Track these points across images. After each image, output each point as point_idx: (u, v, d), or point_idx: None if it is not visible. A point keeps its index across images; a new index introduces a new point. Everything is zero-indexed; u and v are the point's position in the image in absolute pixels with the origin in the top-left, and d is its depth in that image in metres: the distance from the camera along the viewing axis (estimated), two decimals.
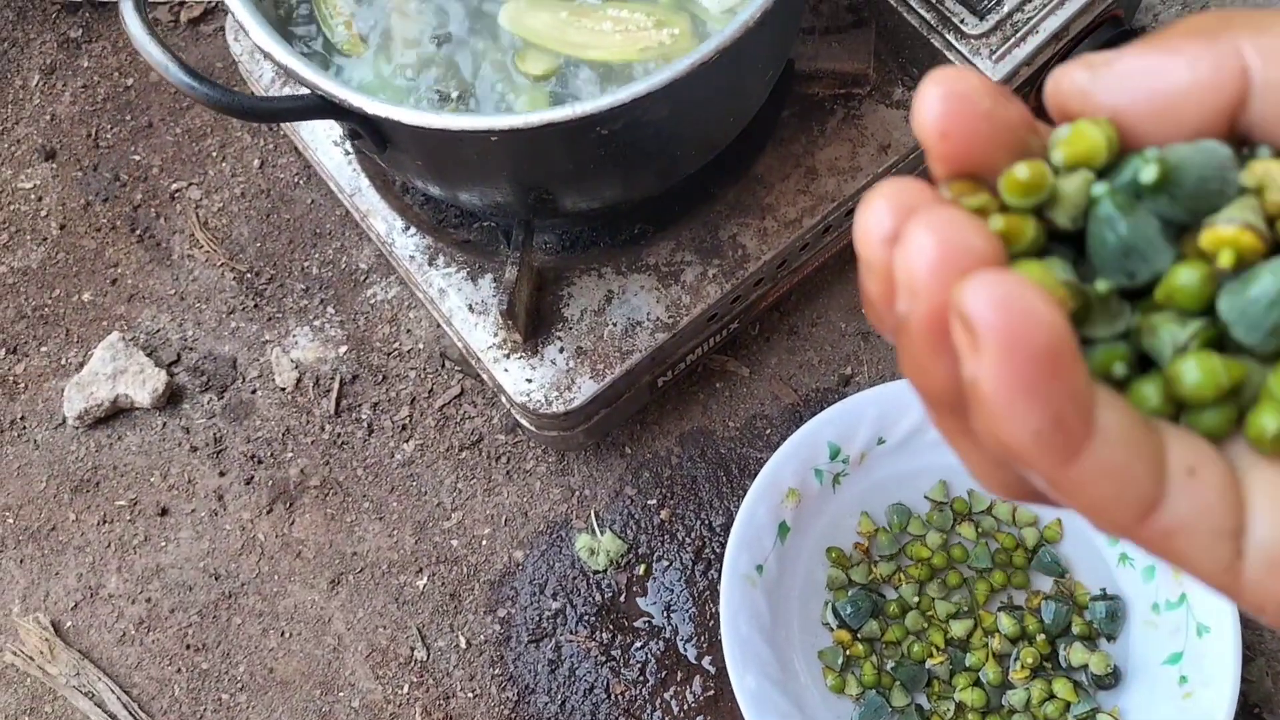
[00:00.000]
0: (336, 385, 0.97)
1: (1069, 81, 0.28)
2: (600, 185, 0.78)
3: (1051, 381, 0.23)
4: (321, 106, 0.66)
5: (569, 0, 0.75)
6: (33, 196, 1.07)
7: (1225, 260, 0.26)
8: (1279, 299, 0.25)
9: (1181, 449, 0.25)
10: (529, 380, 0.83)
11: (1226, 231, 0.26)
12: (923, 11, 0.87)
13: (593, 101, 0.64)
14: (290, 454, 0.95)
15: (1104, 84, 0.27)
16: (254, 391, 0.98)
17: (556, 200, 0.79)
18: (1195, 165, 0.27)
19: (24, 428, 0.98)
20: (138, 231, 1.04)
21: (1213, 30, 0.26)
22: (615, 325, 0.83)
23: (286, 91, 0.93)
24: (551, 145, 0.70)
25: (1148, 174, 0.26)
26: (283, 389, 0.97)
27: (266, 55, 0.67)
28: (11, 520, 0.95)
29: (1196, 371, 0.26)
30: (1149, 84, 0.27)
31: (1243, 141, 0.27)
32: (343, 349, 0.98)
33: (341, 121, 0.70)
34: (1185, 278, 0.26)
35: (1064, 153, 0.27)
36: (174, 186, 1.06)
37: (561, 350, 0.83)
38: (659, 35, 0.74)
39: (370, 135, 0.70)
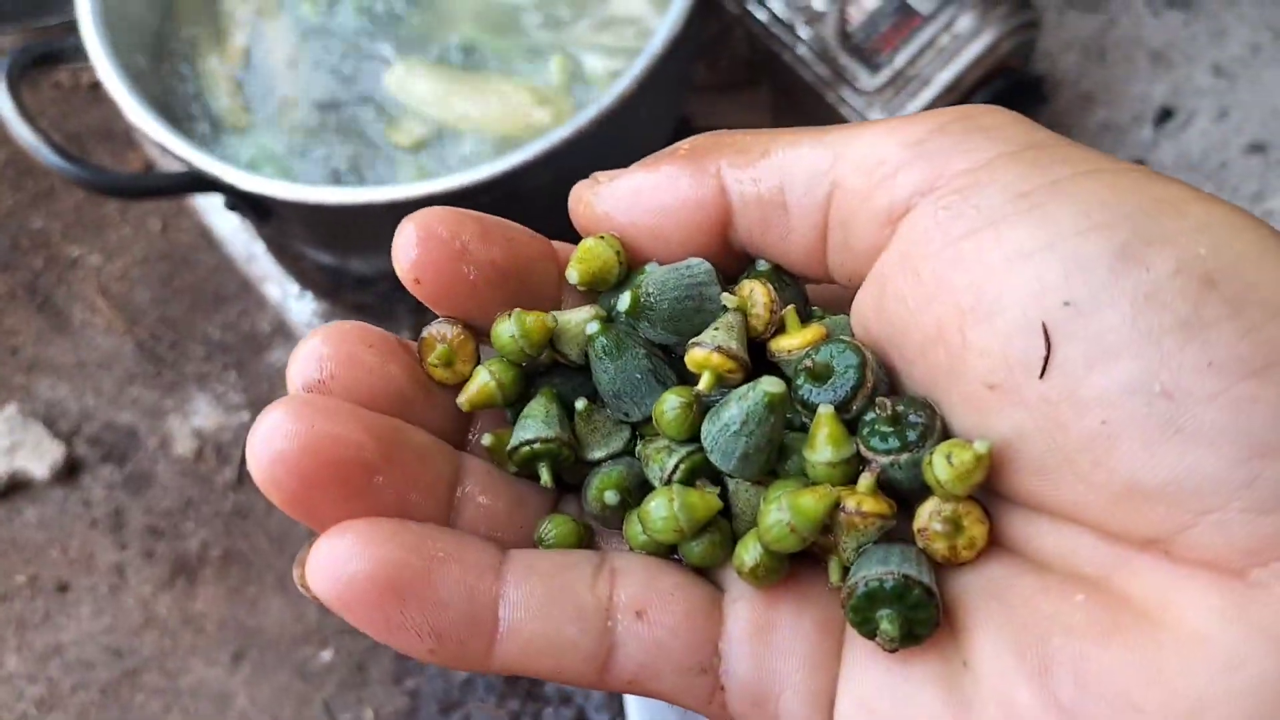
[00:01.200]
0: (239, 454, 0.95)
1: (581, 199, 0.29)
2: None
3: (407, 603, 0.24)
4: (196, 182, 0.65)
5: (454, 69, 0.75)
6: None
7: (704, 384, 0.26)
8: (744, 428, 0.25)
9: (633, 591, 0.25)
10: None
11: (698, 355, 0.26)
12: (817, 68, 0.87)
13: (473, 172, 0.64)
14: (191, 525, 0.93)
15: (607, 203, 0.28)
16: (154, 462, 0.96)
17: None
18: (670, 287, 0.27)
19: None
20: (37, 299, 1.02)
21: (699, 151, 0.27)
22: None
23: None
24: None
25: (622, 303, 0.27)
26: (183, 458, 0.95)
27: (138, 129, 0.66)
28: None
29: (661, 512, 0.26)
30: (642, 202, 0.28)
31: (744, 257, 0.28)
32: (245, 416, 0.96)
33: (220, 195, 0.69)
34: (668, 405, 0.27)
35: (577, 271, 0.28)
36: (74, 253, 1.04)
37: None
38: (537, 113, 0.74)
39: (250, 208, 0.69)
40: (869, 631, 0.25)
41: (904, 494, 0.26)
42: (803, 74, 0.88)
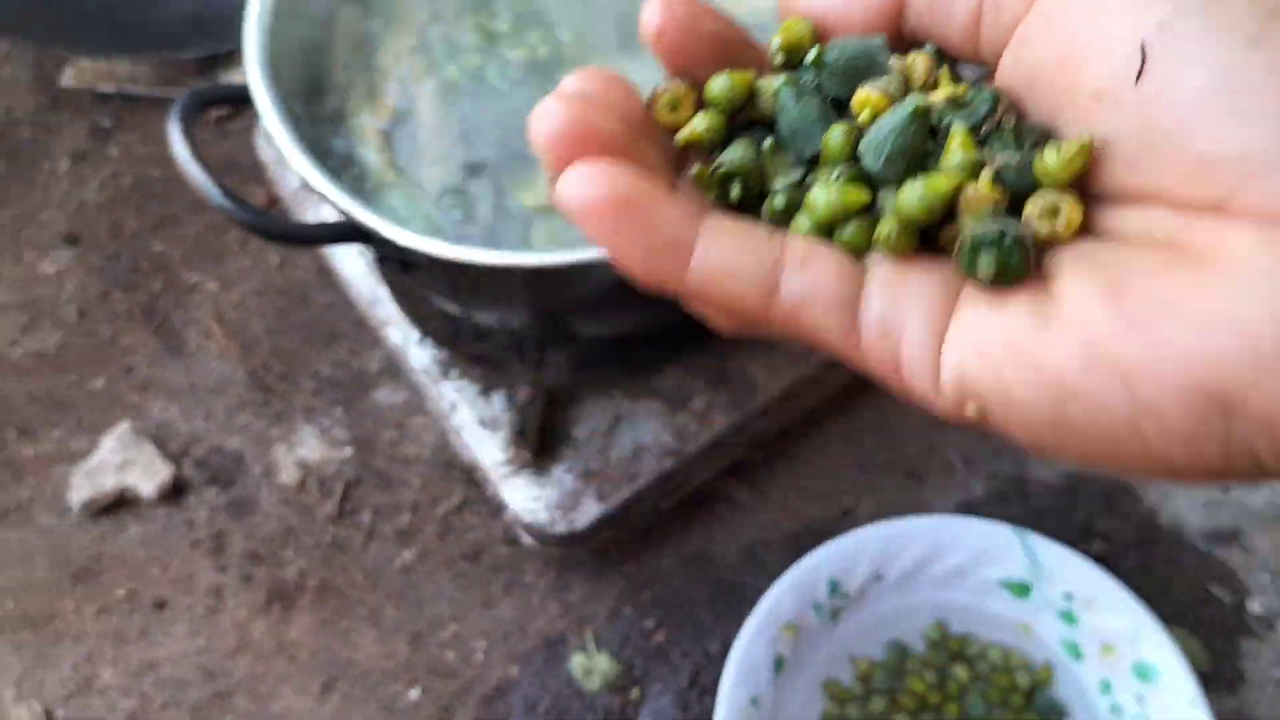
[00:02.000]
0: (340, 487, 0.97)
1: None
2: (618, 316, 0.80)
3: (631, 222, 0.31)
4: (355, 234, 0.67)
5: None
6: (54, 281, 1.07)
7: (863, 117, 0.34)
8: (892, 132, 0.32)
9: (798, 248, 0.33)
10: (535, 499, 0.83)
11: (860, 95, 0.34)
12: None
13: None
14: (290, 554, 0.95)
15: None
16: (258, 489, 0.98)
17: (573, 327, 0.80)
18: (849, 50, 0.35)
19: (29, 512, 0.98)
20: (154, 322, 1.05)
21: None
22: (623, 449, 0.84)
23: (321, 206, 0.94)
24: (576, 280, 0.72)
25: (809, 57, 0.35)
26: (287, 487, 0.97)
27: (304, 181, 0.68)
28: (11, 605, 0.95)
29: (822, 196, 0.33)
30: None
31: (913, 43, 0.36)
32: (348, 451, 0.99)
33: (373, 247, 0.71)
34: (834, 134, 0.34)
35: (780, 38, 0.35)
36: (193, 279, 1.07)
37: (569, 471, 0.84)
38: None
39: (398, 261, 0.72)
40: (973, 272, 0.31)
41: (1018, 195, 0.32)
42: None
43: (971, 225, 0.32)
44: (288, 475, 0.98)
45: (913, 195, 0.32)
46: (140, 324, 1.05)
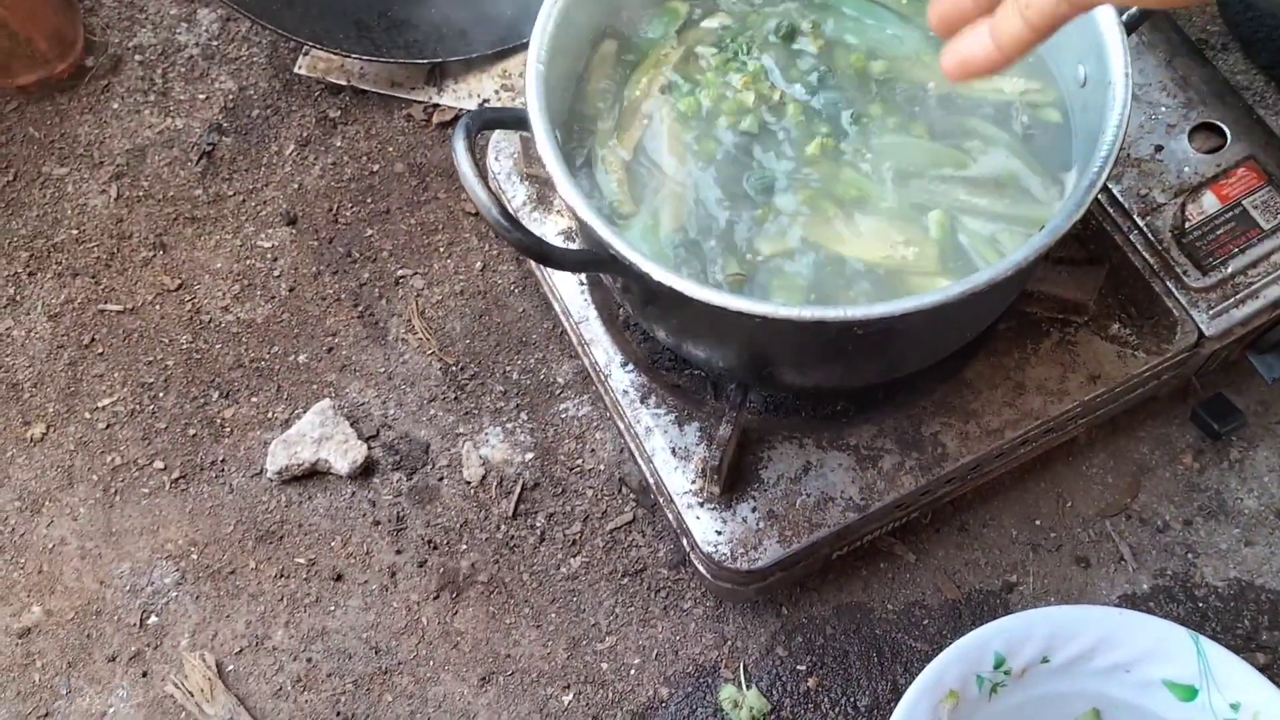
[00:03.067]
0: (518, 489, 1.00)
1: None
2: (826, 371, 0.81)
3: None
4: (612, 265, 0.70)
5: (835, 199, 0.79)
6: (269, 256, 1.12)
7: None
8: None
9: None
10: (718, 533, 0.85)
11: None
12: (1148, 255, 0.89)
13: (875, 306, 0.67)
14: (464, 546, 0.98)
15: None
16: (441, 479, 1.01)
17: (780, 374, 0.82)
18: None
19: (223, 470, 1.02)
20: (360, 307, 1.09)
21: None
22: (808, 496, 0.85)
23: (543, 221, 0.97)
24: (802, 333, 0.73)
25: None
26: (468, 483, 1.00)
27: (570, 208, 0.71)
28: (195, 556, 0.99)
29: None
30: None
31: None
32: (529, 455, 1.01)
33: (620, 276, 0.73)
34: None
35: None
36: (400, 272, 1.10)
37: (754, 510, 0.85)
38: (904, 250, 0.77)
39: (641, 292, 0.74)
40: None
41: None
42: (1132, 257, 0.90)
43: None
44: (470, 471, 1.01)
45: None
46: (347, 308, 1.09)
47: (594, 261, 0.71)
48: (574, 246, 0.93)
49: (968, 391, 0.87)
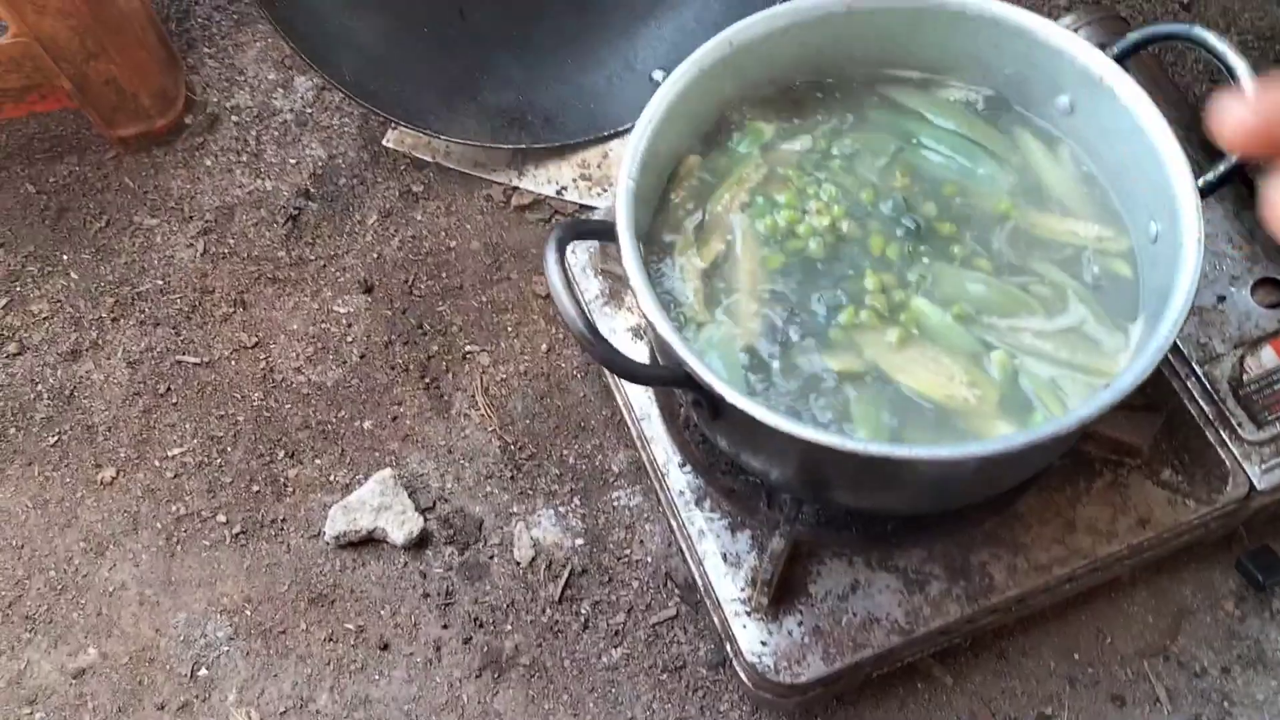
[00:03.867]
0: (566, 574, 1.01)
1: None
2: (882, 497, 0.82)
3: None
4: (688, 383, 0.71)
5: (902, 327, 0.80)
6: (344, 321, 1.15)
7: None
8: None
9: None
10: (763, 644, 0.85)
11: None
12: (1204, 404, 0.89)
13: (945, 449, 0.68)
14: (509, 627, 0.99)
15: None
16: (491, 557, 1.02)
17: (836, 494, 0.83)
18: None
19: (282, 529, 1.04)
20: (426, 379, 1.11)
21: None
22: (854, 615, 0.86)
23: (614, 316, 0.99)
24: (859, 465, 0.74)
25: None
26: (518, 563, 1.02)
27: (651, 325, 0.73)
28: (249, 613, 1.00)
29: None
30: None
31: None
32: (579, 541, 1.02)
33: (695, 393, 0.75)
34: None
35: None
36: (468, 348, 1.13)
37: (800, 624, 0.86)
38: (965, 390, 0.78)
39: (710, 407, 0.75)
40: None
41: None
42: (1188, 405, 0.90)
43: None
44: (521, 551, 1.02)
45: None
46: (414, 379, 1.11)
47: (670, 379, 0.73)
48: (649, 362, 0.94)
49: (1019, 524, 0.88)
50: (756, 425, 0.71)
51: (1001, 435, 0.73)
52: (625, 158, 0.79)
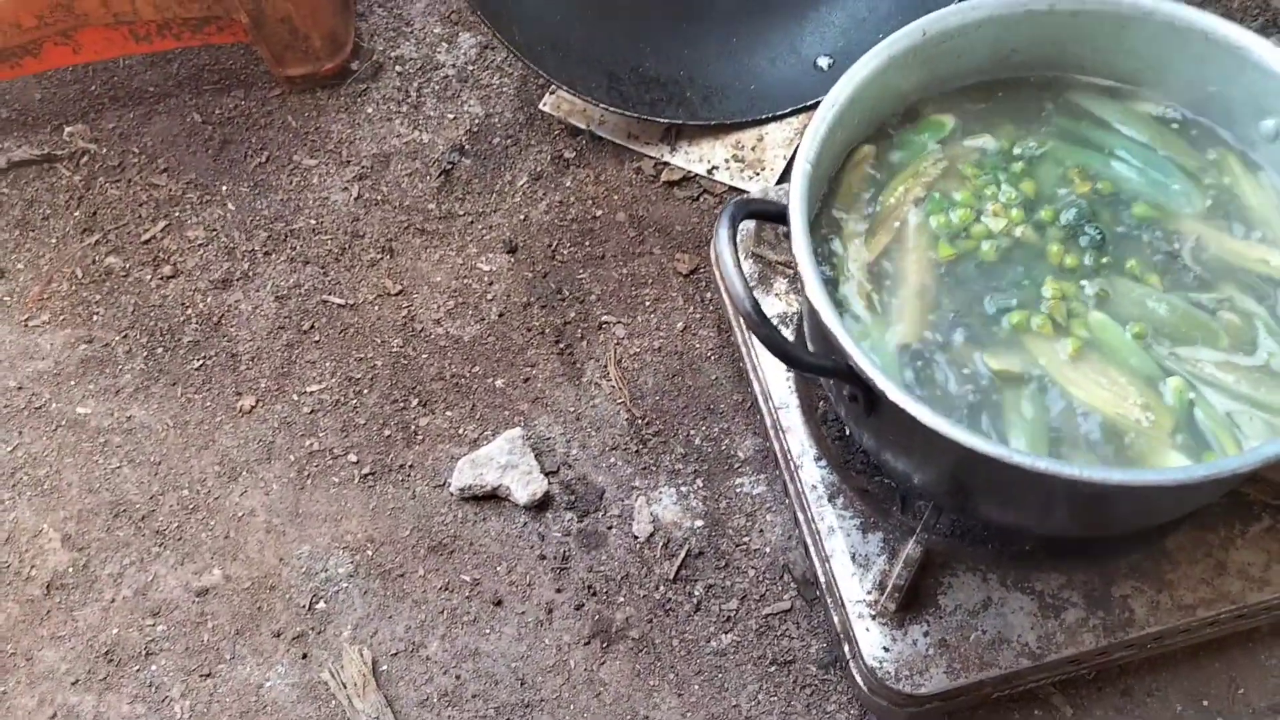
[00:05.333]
0: (682, 554, 0.98)
1: None
2: (1027, 514, 0.77)
3: None
4: (850, 376, 0.68)
5: (1077, 338, 0.75)
6: (486, 279, 1.13)
7: None
8: None
9: None
10: (886, 650, 0.81)
11: None
12: None
13: (1118, 473, 0.64)
14: (622, 599, 0.97)
15: None
16: (610, 528, 1.00)
17: (978, 506, 0.78)
18: None
19: (409, 475, 1.03)
20: (561, 344, 1.09)
21: None
22: (984, 633, 0.81)
23: (763, 300, 0.96)
24: (1018, 478, 0.70)
25: None
26: (635, 537, 0.99)
27: (815, 313, 0.69)
28: (370, 553, 1.00)
29: None
30: None
31: None
32: (698, 522, 1.00)
33: (851, 386, 0.71)
34: None
35: None
36: (604, 318, 1.10)
37: (926, 635, 0.82)
38: (1139, 413, 0.73)
39: (866, 404, 0.72)
40: None
41: None
42: None
43: None
44: (640, 526, 0.99)
45: None
46: (549, 343, 1.09)
47: (831, 370, 0.69)
48: (810, 348, 0.91)
49: (1165, 561, 0.83)
50: (914, 426, 0.67)
51: (1182, 466, 0.68)
52: (804, 141, 0.76)
